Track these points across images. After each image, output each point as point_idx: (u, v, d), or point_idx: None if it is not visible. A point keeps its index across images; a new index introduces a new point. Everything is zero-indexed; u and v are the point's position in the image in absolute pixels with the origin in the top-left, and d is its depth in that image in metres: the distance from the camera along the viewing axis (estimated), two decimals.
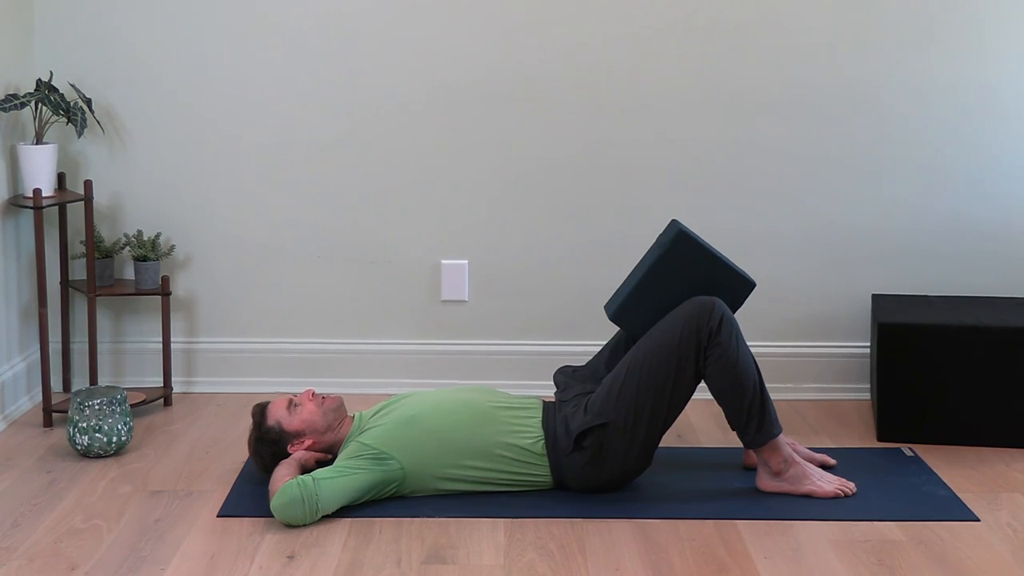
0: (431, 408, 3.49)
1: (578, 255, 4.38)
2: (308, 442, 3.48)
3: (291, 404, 3.52)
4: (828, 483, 3.49)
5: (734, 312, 3.49)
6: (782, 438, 3.49)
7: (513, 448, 3.45)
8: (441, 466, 3.43)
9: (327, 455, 3.52)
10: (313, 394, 3.54)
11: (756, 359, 3.47)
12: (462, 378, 4.38)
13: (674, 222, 3.58)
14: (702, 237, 3.56)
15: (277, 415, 3.50)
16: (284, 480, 3.31)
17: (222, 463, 3.74)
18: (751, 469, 3.64)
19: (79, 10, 4.25)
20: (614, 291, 3.70)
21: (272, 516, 3.29)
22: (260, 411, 3.53)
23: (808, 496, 3.47)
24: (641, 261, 3.61)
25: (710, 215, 4.27)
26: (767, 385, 3.49)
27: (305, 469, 3.45)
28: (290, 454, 3.47)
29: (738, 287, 3.55)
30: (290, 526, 3.27)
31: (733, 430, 3.50)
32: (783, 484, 3.49)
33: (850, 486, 3.50)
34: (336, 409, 3.54)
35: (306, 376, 4.37)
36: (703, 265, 3.51)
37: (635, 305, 3.54)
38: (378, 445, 3.40)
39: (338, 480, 3.31)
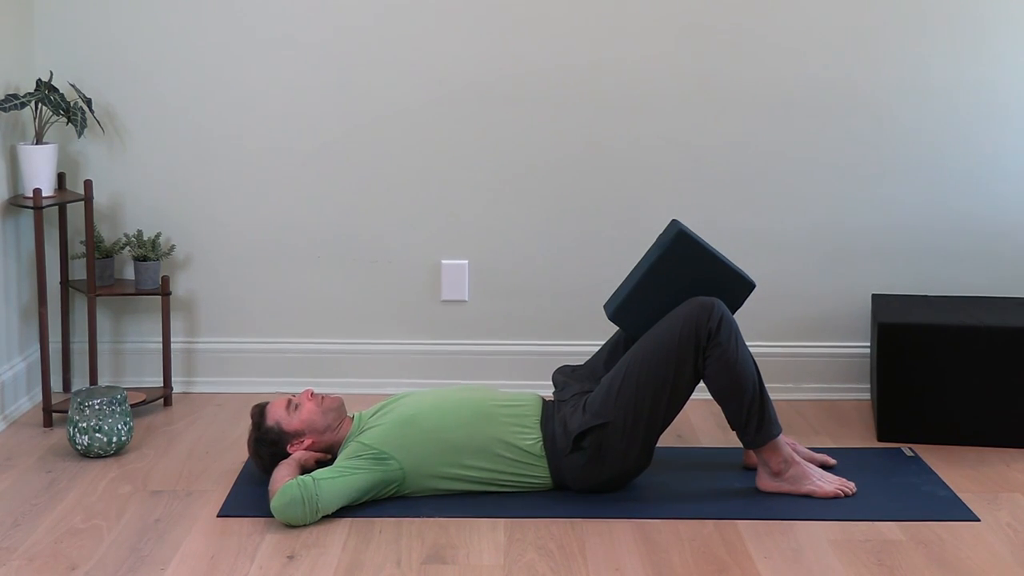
0: (430, 408, 3.49)
1: (578, 255, 4.38)
2: (308, 442, 3.48)
3: (290, 404, 3.51)
4: (828, 483, 3.49)
5: (733, 313, 3.49)
6: (782, 438, 3.49)
7: (513, 449, 3.45)
8: (440, 465, 3.42)
9: (327, 455, 3.52)
10: (312, 394, 3.54)
11: (756, 359, 3.47)
12: (462, 378, 4.38)
13: (674, 222, 3.58)
14: (702, 237, 3.56)
15: (276, 415, 3.50)
16: (284, 480, 3.31)
17: (222, 463, 3.74)
18: (751, 469, 3.64)
19: (79, 10, 4.25)
20: (614, 291, 3.70)
21: (272, 516, 3.29)
22: (259, 412, 3.53)
23: (808, 496, 3.47)
24: (641, 261, 3.61)
25: (710, 215, 4.27)
26: (767, 385, 3.49)
27: (305, 469, 3.45)
28: (290, 454, 3.47)
29: (738, 288, 3.54)
30: (290, 526, 3.27)
31: (733, 430, 3.50)
32: (783, 484, 3.49)
33: (850, 486, 3.50)
34: (336, 409, 3.53)
35: (306, 376, 4.37)
36: (703, 265, 3.51)
37: (634, 305, 3.54)
38: (378, 445, 3.40)
39: (338, 480, 3.31)
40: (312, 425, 3.49)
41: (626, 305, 3.55)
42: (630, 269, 3.69)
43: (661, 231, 3.63)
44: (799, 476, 3.48)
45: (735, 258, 3.66)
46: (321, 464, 3.50)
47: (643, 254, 3.65)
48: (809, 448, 3.76)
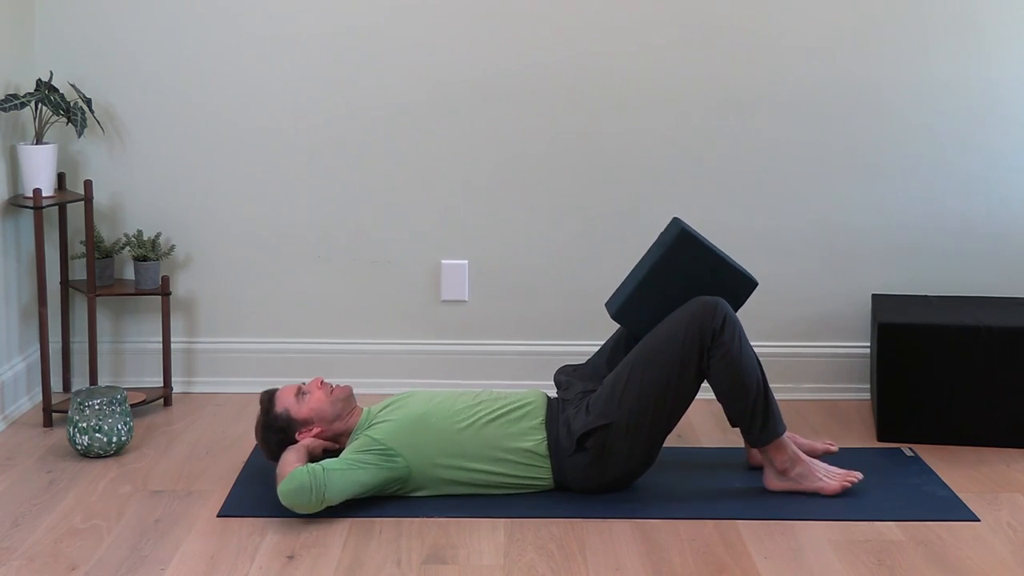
0: (441, 408, 3.49)
1: (578, 255, 4.38)
2: (316, 430, 3.48)
3: (300, 392, 3.52)
4: (834, 478, 3.48)
5: (736, 311, 3.49)
6: (787, 436, 3.49)
7: (519, 452, 3.44)
8: (446, 469, 3.42)
9: (334, 444, 3.52)
10: (322, 382, 3.54)
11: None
12: (462, 378, 4.38)
13: (675, 220, 3.58)
14: (703, 235, 3.56)
15: (286, 402, 3.50)
16: (294, 466, 3.31)
17: (222, 463, 3.74)
18: (755, 469, 3.64)
19: (79, 10, 4.25)
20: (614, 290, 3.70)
21: (272, 516, 3.30)
22: (268, 398, 3.53)
23: (816, 493, 3.46)
24: (642, 259, 3.61)
25: (710, 214, 4.26)
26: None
27: (312, 457, 3.45)
28: (297, 441, 3.47)
29: (740, 286, 3.54)
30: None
31: (735, 426, 3.49)
32: (790, 483, 3.48)
33: (855, 476, 3.49)
34: (345, 399, 3.54)
35: (306, 377, 4.35)
36: (705, 264, 3.51)
37: (637, 303, 3.53)
38: (386, 441, 3.39)
39: (347, 473, 3.31)
40: (321, 414, 3.49)
41: (629, 304, 3.55)
42: (630, 269, 3.69)
43: (662, 230, 3.63)
44: (805, 474, 3.48)
45: (735, 257, 3.66)
46: (328, 453, 3.50)
47: (644, 254, 3.64)
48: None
